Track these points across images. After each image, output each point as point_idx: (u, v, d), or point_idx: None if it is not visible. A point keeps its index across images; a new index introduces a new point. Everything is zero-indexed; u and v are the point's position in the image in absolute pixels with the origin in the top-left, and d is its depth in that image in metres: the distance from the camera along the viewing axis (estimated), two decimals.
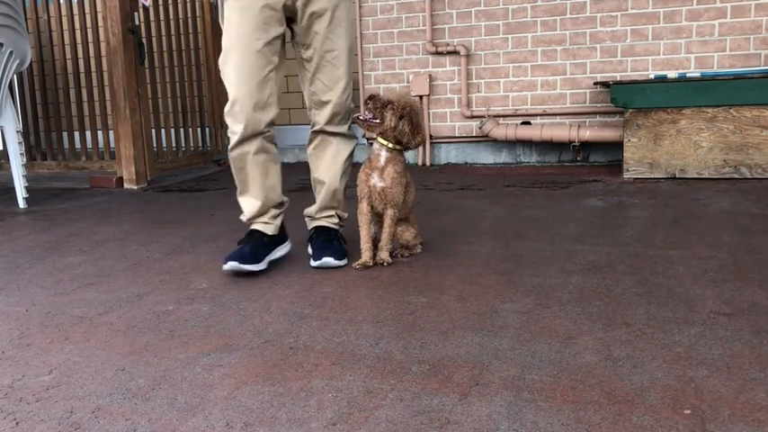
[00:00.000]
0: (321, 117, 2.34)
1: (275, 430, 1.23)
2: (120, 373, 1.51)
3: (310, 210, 2.49)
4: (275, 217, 2.35)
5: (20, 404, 1.38)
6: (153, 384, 1.45)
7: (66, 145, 5.00)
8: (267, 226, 2.32)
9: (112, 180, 4.45)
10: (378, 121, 2.24)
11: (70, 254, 2.67)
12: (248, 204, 2.31)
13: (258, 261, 2.22)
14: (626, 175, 3.95)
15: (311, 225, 2.48)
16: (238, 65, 2.14)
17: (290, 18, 2.27)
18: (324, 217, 2.45)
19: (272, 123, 2.24)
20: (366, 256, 2.28)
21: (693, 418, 1.21)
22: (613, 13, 4.49)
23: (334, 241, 2.36)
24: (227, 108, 2.19)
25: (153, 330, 1.78)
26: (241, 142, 2.21)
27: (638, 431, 1.18)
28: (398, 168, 2.29)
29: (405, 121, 2.23)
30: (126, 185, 4.42)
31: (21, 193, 3.82)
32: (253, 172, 2.26)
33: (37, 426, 1.29)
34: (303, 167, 5.19)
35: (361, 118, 2.28)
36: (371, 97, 2.26)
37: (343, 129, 2.38)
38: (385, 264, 2.29)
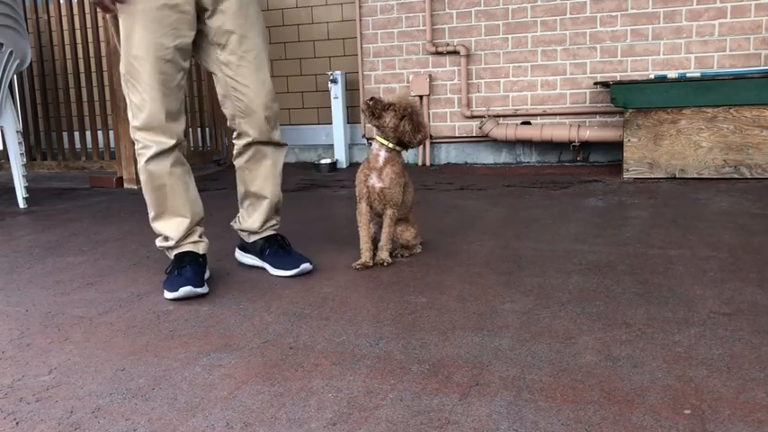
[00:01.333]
0: (251, 127, 2.14)
1: (275, 430, 1.23)
2: (120, 373, 1.51)
3: (250, 225, 2.29)
4: (203, 235, 2.19)
5: (20, 404, 1.38)
6: (153, 384, 1.45)
7: (66, 145, 5.00)
8: (198, 245, 2.15)
9: (112, 180, 4.45)
10: (375, 116, 2.26)
11: (70, 254, 2.67)
12: (173, 225, 2.11)
13: (203, 284, 2.06)
14: (626, 175, 3.95)
15: (254, 238, 2.31)
16: (149, 76, 1.96)
17: (199, 15, 2.06)
18: (269, 227, 2.31)
19: (184, 133, 2.11)
20: (366, 256, 2.28)
21: (693, 418, 1.21)
22: (613, 13, 4.49)
23: (290, 248, 2.29)
24: (136, 123, 2.01)
25: (153, 330, 1.78)
26: (157, 156, 2.02)
27: (638, 431, 1.18)
28: (397, 168, 2.29)
29: (406, 121, 2.24)
30: (126, 185, 4.42)
31: (21, 193, 3.82)
32: (174, 187, 2.08)
33: (37, 426, 1.29)
34: (303, 167, 5.21)
35: (364, 107, 2.29)
36: (372, 98, 2.26)
37: (277, 136, 2.21)
38: (385, 264, 2.29)
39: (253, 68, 2.09)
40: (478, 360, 1.49)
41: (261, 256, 2.28)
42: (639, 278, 2.05)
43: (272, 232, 2.31)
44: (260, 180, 2.24)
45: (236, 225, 2.36)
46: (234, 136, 2.22)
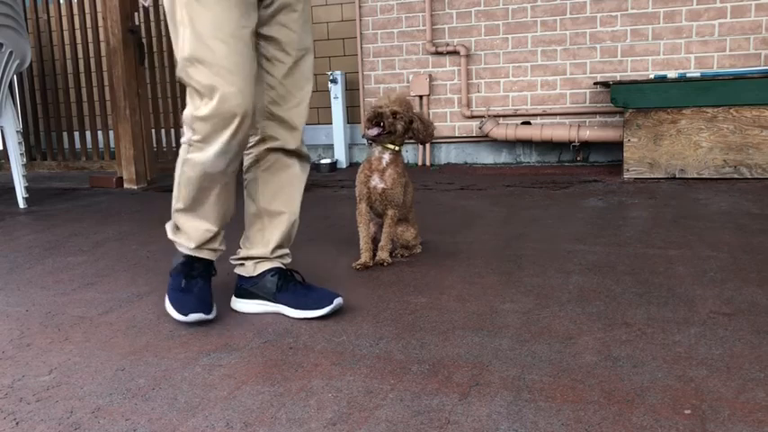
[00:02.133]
0: (279, 131, 1.85)
1: (275, 430, 1.23)
2: (120, 373, 1.51)
3: (259, 250, 1.90)
4: (223, 241, 1.89)
5: (20, 404, 1.38)
6: (153, 384, 1.45)
7: (66, 145, 5.00)
8: (215, 253, 1.87)
9: (112, 180, 4.45)
10: (388, 132, 2.26)
11: (70, 254, 2.67)
12: (199, 229, 1.81)
13: (212, 307, 1.84)
14: (626, 175, 3.95)
15: (261, 269, 1.89)
16: (232, 54, 1.64)
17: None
18: (282, 256, 1.94)
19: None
20: (366, 256, 2.28)
21: (693, 418, 1.21)
22: (613, 13, 4.49)
23: (309, 284, 1.91)
24: (204, 112, 1.66)
25: (153, 330, 1.78)
26: (219, 155, 1.71)
27: (638, 431, 1.18)
28: (399, 169, 2.30)
29: (416, 123, 2.30)
30: (126, 185, 4.42)
31: (21, 193, 3.82)
32: (220, 194, 1.80)
33: (37, 426, 1.29)
34: None
35: (373, 134, 2.25)
36: (379, 115, 2.24)
37: (304, 147, 1.93)
38: (385, 264, 2.29)
39: (301, 74, 1.84)
40: (478, 360, 1.49)
41: (272, 297, 1.87)
42: (639, 278, 2.05)
43: (282, 265, 1.91)
44: (281, 195, 1.91)
45: (239, 254, 1.94)
46: (252, 142, 1.88)
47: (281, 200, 1.91)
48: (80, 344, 1.70)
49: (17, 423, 1.30)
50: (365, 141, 4.97)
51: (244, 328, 1.76)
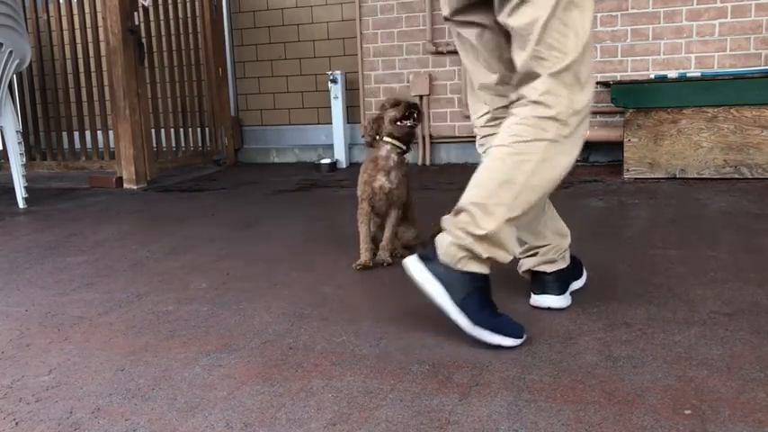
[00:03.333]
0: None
1: (275, 430, 1.23)
2: (119, 373, 1.51)
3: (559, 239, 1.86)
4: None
5: (19, 404, 1.38)
6: (153, 384, 1.44)
7: (65, 145, 5.00)
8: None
9: (112, 180, 4.44)
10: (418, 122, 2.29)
11: (70, 254, 2.67)
12: (514, 238, 1.63)
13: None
14: (626, 175, 3.94)
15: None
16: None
17: None
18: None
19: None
20: (366, 256, 2.28)
21: (694, 419, 1.21)
22: (613, 13, 4.49)
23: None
24: (590, 99, 1.64)
25: (153, 330, 1.77)
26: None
27: (638, 431, 1.18)
28: (403, 170, 2.30)
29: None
30: (126, 185, 4.42)
31: (20, 193, 3.82)
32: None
33: (37, 426, 1.28)
34: (303, 167, 5.20)
35: (410, 124, 2.25)
36: (414, 105, 2.26)
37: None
38: (385, 264, 2.29)
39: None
40: (478, 360, 1.49)
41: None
42: (639, 278, 2.04)
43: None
44: None
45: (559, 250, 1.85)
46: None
47: None
48: (80, 344, 1.70)
49: (17, 423, 1.30)
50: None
51: (244, 328, 1.76)
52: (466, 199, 1.61)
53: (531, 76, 1.55)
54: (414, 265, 1.61)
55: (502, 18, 1.58)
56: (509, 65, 1.66)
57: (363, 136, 2.27)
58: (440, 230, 1.66)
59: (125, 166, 4.41)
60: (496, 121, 1.74)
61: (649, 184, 3.75)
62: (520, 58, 1.56)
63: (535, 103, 1.54)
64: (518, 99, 1.60)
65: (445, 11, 1.80)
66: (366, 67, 5.13)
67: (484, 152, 1.81)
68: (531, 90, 1.55)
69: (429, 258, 1.59)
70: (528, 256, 1.83)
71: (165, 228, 3.11)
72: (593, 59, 4.73)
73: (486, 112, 1.80)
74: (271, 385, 1.41)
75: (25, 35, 3.90)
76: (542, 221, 1.82)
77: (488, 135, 1.79)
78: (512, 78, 1.64)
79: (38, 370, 1.55)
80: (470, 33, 1.75)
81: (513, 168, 1.55)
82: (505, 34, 1.64)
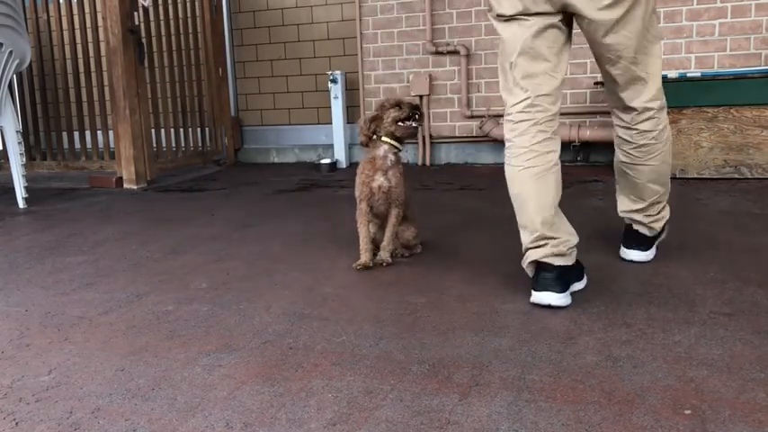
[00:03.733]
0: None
1: (275, 430, 1.23)
2: (119, 374, 1.51)
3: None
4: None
5: (19, 404, 1.38)
6: (153, 384, 1.44)
7: (65, 145, 5.00)
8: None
9: (112, 180, 4.44)
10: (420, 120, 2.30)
11: (70, 254, 2.67)
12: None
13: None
14: None
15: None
16: None
17: None
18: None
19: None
20: (366, 256, 2.28)
21: (694, 419, 1.21)
22: None
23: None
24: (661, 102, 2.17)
25: (153, 330, 1.77)
26: None
27: (638, 431, 1.18)
28: (401, 168, 2.31)
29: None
30: (126, 185, 4.42)
31: (20, 193, 3.82)
32: None
33: (37, 426, 1.28)
34: (303, 167, 5.21)
35: (414, 125, 2.25)
36: (416, 107, 2.27)
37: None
38: (385, 264, 2.29)
39: None
40: (478, 360, 1.49)
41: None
42: (639, 278, 2.04)
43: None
44: None
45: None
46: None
47: None
48: (80, 344, 1.70)
49: (17, 423, 1.30)
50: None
51: (244, 328, 1.76)
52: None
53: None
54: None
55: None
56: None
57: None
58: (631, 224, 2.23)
59: (125, 166, 4.41)
60: (534, 108, 1.86)
61: None
62: None
63: None
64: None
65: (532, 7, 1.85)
66: (366, 67, 5.13)
67: (516, 136, 1.89)
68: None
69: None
70: (537, 247, 1.86)
71: (165, 228, 3.11)
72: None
73: (526, 98, 1.87)
74: (271, 385, 1.41)
75: (25, 35, 3.90)
76: (559, 213, 1.90)
77: (523, 120, 1.88)
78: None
79: (38, 370, 1.55)
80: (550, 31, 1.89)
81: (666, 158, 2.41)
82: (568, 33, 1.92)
